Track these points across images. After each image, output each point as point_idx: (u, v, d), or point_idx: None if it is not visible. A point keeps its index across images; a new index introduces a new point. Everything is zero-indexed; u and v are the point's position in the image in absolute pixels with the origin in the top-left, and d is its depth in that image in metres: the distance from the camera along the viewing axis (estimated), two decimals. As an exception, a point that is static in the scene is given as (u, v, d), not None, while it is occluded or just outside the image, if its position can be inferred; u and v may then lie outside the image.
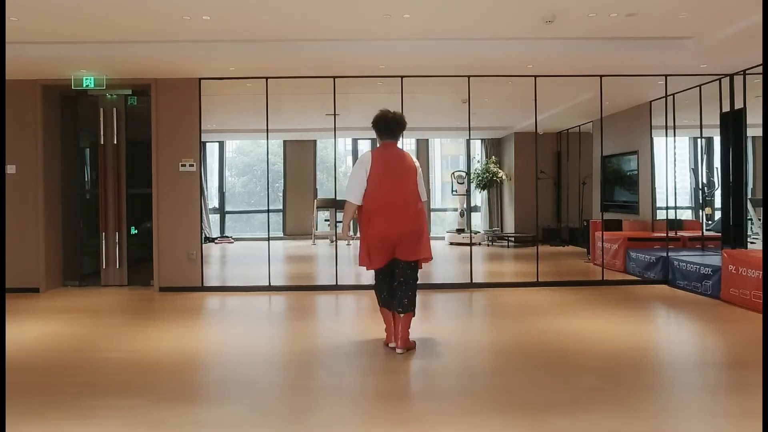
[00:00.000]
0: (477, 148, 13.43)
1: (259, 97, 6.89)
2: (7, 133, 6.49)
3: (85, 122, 7.43)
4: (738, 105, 6.52)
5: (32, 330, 4.98)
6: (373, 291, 4.55)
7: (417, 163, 4.29)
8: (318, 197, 13.08)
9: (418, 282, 4.25)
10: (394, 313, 4.20)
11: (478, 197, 13.36)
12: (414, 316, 4.20)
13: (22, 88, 6.65)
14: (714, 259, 6.36)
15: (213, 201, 13.47)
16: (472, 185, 12.80)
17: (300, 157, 13.34)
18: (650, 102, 8.26)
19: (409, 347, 4.19)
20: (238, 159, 14.78)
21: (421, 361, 4.08)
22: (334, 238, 8.84)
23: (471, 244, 8.22)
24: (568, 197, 11.44)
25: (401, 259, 4.14)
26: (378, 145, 4.32)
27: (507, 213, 12.74)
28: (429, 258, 4.25)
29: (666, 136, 7.75)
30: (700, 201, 8.82)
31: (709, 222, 8.54)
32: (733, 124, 6.60)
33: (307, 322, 5.45)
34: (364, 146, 13.45)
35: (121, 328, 5.18)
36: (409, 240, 4.12)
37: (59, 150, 7.10)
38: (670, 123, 7.61)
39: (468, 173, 12.25)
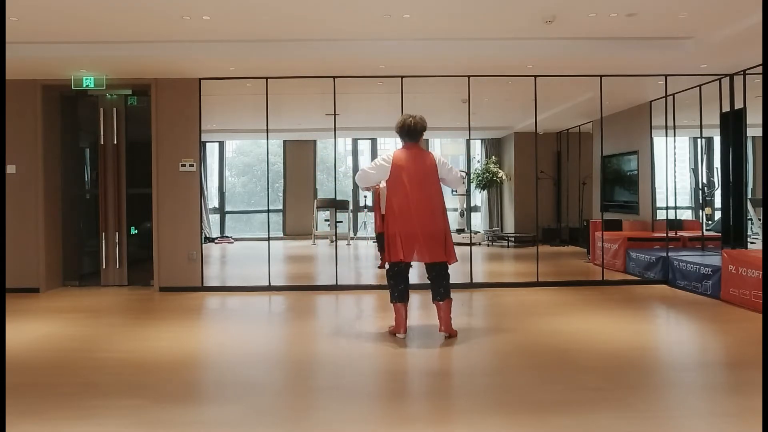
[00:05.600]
0: (477, 148, 13.43)
1: (259, 97, 6.89)
2: (7, 133, 6.48)
3: (85, 122, 7.43)
4: (738, 105, 6.52)
5: (32, 330, 4.98)
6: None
7: (438, 158, 4.55)
8: (318, 197, 13.08)
9: (450, 279, 4.59)
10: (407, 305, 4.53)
11: (478, 197, 13.36)
12: (452, 301, 4.53)
13: (22, 88, 6.65)
14: (714, 259, 6.36)
15: (213, 201, 13.47)
16: (472, 185, 12.80)
17: (300, 157, 13.34)
18: (650, 102, 8.26)
19: (452, 333, 4.48)
20: (238, 159, 14.78)
21: (421, 361, 4.08)
22: (334, 238, 8.84)
23: (471, 244, 8.22)
24: (568, 197, 11.44)
25: (425, 261, 4.45)
26: (401, 146, 4.65)
27: (507, 213, 12.74)
28: (453, 260, 4.49)
29: (666, 136, 7.75)
30: (700, 201, 8.82)
31: (709, 222, 8.54)
32: (733, 124, 6.60)
33: (307, 322, 5.44)
34: (364, 146, 13.47)
35: (121, 328, 5.18)
36: (431, 240, 4.37)
37: (59, 150, 7.10)
38: (670, 123, 7.61)
39: (468, 173, 12.25)
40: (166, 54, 5.81)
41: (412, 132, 4.55)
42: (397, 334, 4.50)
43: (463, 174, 11.78)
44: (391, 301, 4.54)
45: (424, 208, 4.38)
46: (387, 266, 4.58)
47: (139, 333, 4.87)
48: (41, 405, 3.22)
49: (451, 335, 4.47)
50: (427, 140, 13.45)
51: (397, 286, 4.49)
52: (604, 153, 8.56)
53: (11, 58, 5.57)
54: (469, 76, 6.75)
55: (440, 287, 4.47)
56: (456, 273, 8.05)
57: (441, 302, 4.47)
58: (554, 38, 5.68)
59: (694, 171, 9.27)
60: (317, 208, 12.36)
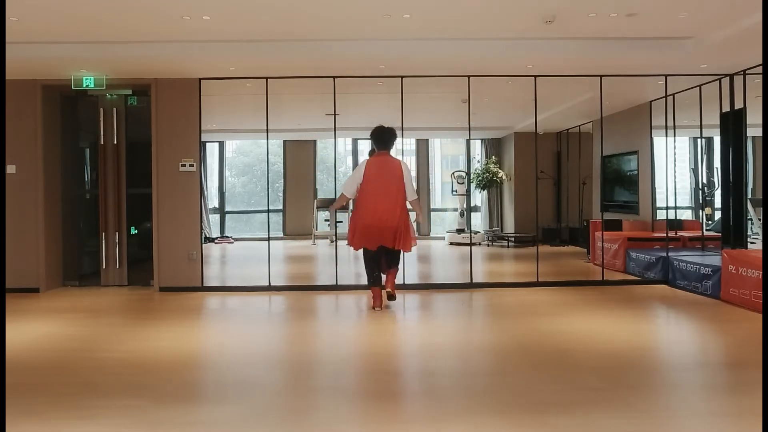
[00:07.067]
0: (477, 148, 13.43)
1: (259, 97, 6.89)
2: (7, 133, 6.48)
3: (85, 122, 7.43)
4: (738, 105, 6.52)
5: (32, 330, 4.98)
6: (370, 290, 5.67)
7: (406, 168, 5.51)
8: (318, 197, 13.08)
9: (396, 270, 5.69)
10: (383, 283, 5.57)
11: (478, 197, 13.36)
12: (397, 271, 5.67)
13: (22, 88, 6.65)
14: (714, 259, 6.36)
15: (213, 201, 13.46)
16: (472, 185, 12.79)
17: (300, 157, 13.34)
18: (650, 102, 8.26)
19: (393, 294, 5.47)
20: (238, 159, 14.78)
21: (421, 361, 4.09)
22: (334, 239, 8.84)
23: (471, 244, 8.22)
24: (568, 197, 11.44)
25: (386, 246, 5.43)
26: (374, 153, 5.65)
27: (507, 213, 12.74)
28: (407, 250, 5.56)
29: (666, 136, 7.75)
30: (700, 201, 8.82)
31: (709, 222, 8.54)
32: (733, 124, 6.60)
33: (306, 322, 5.45)
34: (364, 146, 13.45)
35: (121, 328, 5.18)
36: (391, 232, 5.35)
37: (59, 150, 7.10)
38: (670, 123, 7.61)
39: (468, 173, 12.25)
40: (166, 54, 5.81)
41: (384, 142, 5.57)
42: (375, 308, 5.49)
43: (463, 174, 11.77)
44: (369, 284, 5.65)
45: (385, 204, 5.32)
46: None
47: (139, 333, 4.87)
48: (41, 405, 3.22)
49: (391, 295, 5.44)
50: (427, 140, 13.49)
51: (372, 272, 5.54)
52: (604, 153, 8.56)
53: (11, 58, 5.57)
54: (469, 76, 6.75)
55: (392, 260, 5.55)
56: (456, 273, 8.12)
57: (390, 269, 5.53)
58: (554, 38, 5.68)
59: (694, 171, 9.27)
60: (317, 208, 12.36)
